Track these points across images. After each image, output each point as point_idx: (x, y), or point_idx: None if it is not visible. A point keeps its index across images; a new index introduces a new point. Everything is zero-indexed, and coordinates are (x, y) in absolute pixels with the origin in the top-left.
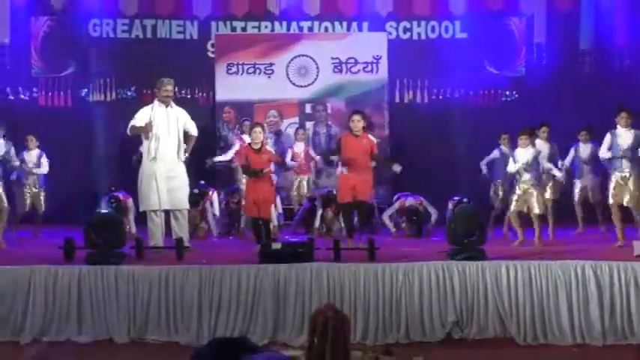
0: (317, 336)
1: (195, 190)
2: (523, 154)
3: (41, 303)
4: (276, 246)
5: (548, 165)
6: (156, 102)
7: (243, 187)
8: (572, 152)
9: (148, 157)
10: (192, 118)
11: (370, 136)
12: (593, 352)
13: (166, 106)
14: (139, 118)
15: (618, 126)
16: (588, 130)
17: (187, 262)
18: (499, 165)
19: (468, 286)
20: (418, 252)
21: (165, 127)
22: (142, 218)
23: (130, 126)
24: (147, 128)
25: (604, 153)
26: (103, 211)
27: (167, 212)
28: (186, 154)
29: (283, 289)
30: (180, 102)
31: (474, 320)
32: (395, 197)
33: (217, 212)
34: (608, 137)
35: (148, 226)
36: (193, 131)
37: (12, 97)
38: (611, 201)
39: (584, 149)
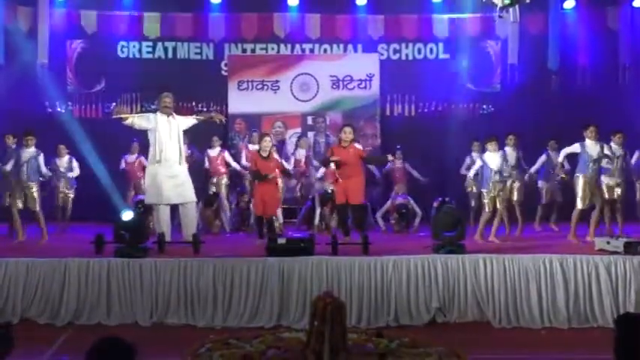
0: (317, 320)
1: (210, 192)
2: (493, 157)
3: (75, 291)
4: (282, 241)
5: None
6: (158, 113)
7: (247, 186)
8: (542, 159)
9: (153, 159)
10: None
11: (356, 145)
12: (559, 334)
13: (167, 116)
14: (138, 116)
15: (587, 139)
16: (557, 140)
17: (203, 255)
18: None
19: (450, 277)
20: (406, 247)
21: (168, 133)
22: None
23: (131, 119)
24: (122, 119)
25: (564, 152)
26: (129, 211)
27: (175, 206)
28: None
29: (287, 279)
30: (197, 115)
31: (455, 306)
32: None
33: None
34: (577, 145)
35: (154, 215)
36: (189, 123)
37: (50, 110)
38: (580, 206)
39: (554, 156)
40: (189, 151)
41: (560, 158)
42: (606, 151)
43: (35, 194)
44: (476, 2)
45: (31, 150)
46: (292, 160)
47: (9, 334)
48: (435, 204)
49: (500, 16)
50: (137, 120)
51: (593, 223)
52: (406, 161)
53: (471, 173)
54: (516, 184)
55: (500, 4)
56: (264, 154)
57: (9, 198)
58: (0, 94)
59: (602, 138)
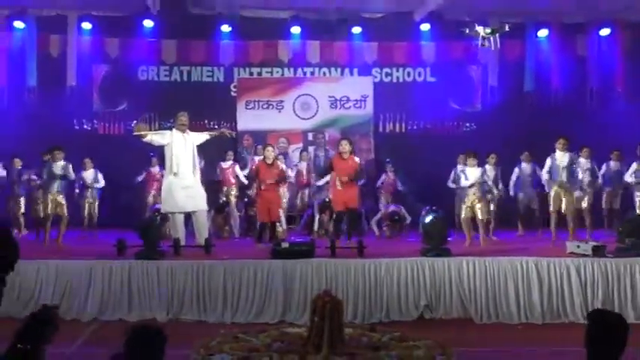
0: (317, 316)
1: (221, 201)
2: (472, 172)
3: (99, 290)
4: (285, 245)
5: (490, 184)
6: (174, 129)
7: (252, 193)
8: (516, 171)
9: (169, 172)
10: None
11: (355, 158)
12: (534, 328)
13: (182, 133)
14: (156, 133)
15: (557, 150)
16: (529, 152)
17: (214, 258)
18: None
19: (436, 277)
20: (397, 250)
21: (183, 149)
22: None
23: (150, 137)
24: (141, 137)
25: (544, 175)
26: (148, 218)
27: (188, 214)
28: (214, 134)
29: (290, 279)
30: (209, 131)
31: (441, 304)
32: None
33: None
34: (548, 161)
35: (170, 221)
36: (203, 138)
37: (77, 128)
38: (551, 209)
39: (526, 167)
40: (202, 164)
41: (544, 180)
42: (574, 162)
43: (64, 203)
44: (459, 31)
45: (60, 163)
46: (295, 170)
47: (55, 317)
48: (423, 212)
49: (482, 45)
50: (155, 137)
51: (571, 227)
52: (396, 174)
53: (455, 184)
54: (494, 197)
55: (482, 34)
56: (269, 162)
57: (41, 207)
58: (33, 113)
59: (572, 151)
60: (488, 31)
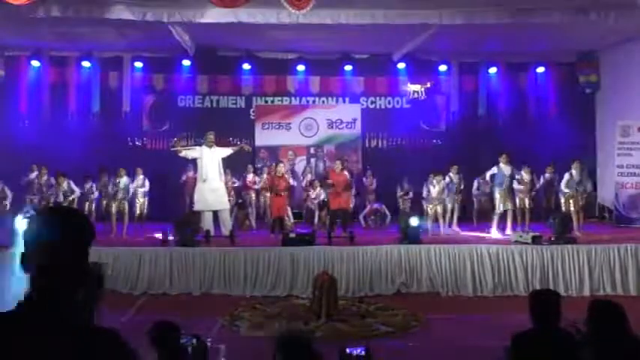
0: (317, 290)
1: (240, 201)
2: (436, 185)
3: (148, 269)
4: (292, 235)
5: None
6: (203, 145)
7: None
8: (475, 183)
9: (200, 179)
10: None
11: (345, 173)
12: (486, 299)
13: (210, 148)
14: (189, 149)
15: (501, 163)
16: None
17: (237, 245)
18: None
19: (411, 260)
20: (380, 239)
21: (210, 160)
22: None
23: (184, 152)
24: (177, 152)
25: (486, 175)
26: (185, 215)
27: (215, 211)
28: (236, 149)
29: (296, 262)
30: (233, 147)
31: (414, 281)
32: (367, 204)
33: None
34: (494, 168)
35: (202, 217)
36: (228, 152)
37: (130, 144)
38: (497, 209)
39: (481, 181)
40: (227, 172)
41: (487, 177)
42: (516, 174)
43: (125, 205)
44: (426, 69)
45: (124, 179)
46: (303, 181)
47: (101, 273)
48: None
49: (413, 97)
50: (188, 152)
51: (509, 222)
52: (373, 177)
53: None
54: (457, 198)
55: (413, 89)
56: (279, 175)
57: (108, 207)
58: (96, 133)
59: (513, 163)
60: (418, 87)
